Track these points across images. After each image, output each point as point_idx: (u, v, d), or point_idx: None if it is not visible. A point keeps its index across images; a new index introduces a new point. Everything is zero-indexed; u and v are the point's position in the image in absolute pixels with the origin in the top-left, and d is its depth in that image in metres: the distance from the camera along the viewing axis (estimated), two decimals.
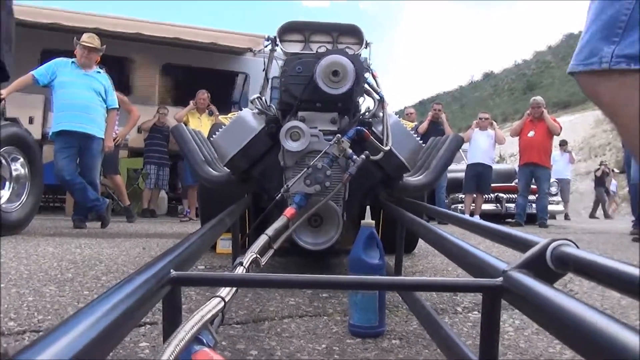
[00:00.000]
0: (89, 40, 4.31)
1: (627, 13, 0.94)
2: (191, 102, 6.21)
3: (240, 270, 0.88)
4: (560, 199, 8.83)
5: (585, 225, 8.03)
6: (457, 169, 7.31)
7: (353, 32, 1.89)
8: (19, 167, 3.88)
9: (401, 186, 1.88)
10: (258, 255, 1.00)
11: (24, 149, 3.86)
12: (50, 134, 4.42)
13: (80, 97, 4.22)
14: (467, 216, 1.50)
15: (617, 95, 0.96)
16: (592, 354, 0.39)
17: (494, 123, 7.53)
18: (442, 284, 0.80)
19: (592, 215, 13.50)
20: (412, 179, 1.95)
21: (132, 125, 5.70)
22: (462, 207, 7.42)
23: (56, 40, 5.79)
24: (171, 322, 0.65)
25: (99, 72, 4.46)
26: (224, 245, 2.69)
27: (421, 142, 1.94)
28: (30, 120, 5.76)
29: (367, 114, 1.81)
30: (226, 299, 0.67)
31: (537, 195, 6.82)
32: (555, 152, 10.09)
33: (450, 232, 0.95)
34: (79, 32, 4.57)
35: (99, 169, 4.56)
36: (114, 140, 5.07)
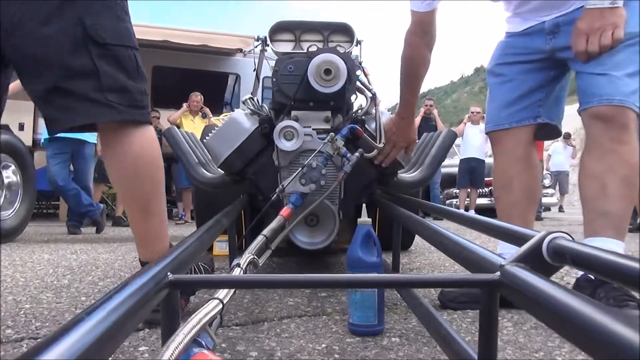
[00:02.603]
0: None
1: None
2: (184, 105, 6.18)
3: (237, 272, 0.88)
4: (554, 190, 8.85)
5: (579, 217, 8.03)
6: (451, 164, 7.32)
7: (344, 31, 1.89)
8: (10, 175, 3.87)
9: (396, 183, 1.88)
10: (255, 257, 1.00)
11: (15, 156, 3.84)
12: (42, 140, 4.39)
13: None
14: (462, 211, 1.50)
15: None
16: (591, 346, 0.39)
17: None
18: (439, 280, 0.81)
19: None
20: (407, 175, 1.95)
21: None
22: (457, 202, 7.43)
23: None
24: (169, 326, 0.65)
25: None
26: (221, 247, 2.68)
27: None
28: (21, 127, 5.70)
29: (359, 111, 1.81)
30: (224, 301, 0.67)
31: None
32: (558, 144, 9.93)
33: (446, 228, 0.95)
34: None
35: (92, 173, 4.53)
36: None
